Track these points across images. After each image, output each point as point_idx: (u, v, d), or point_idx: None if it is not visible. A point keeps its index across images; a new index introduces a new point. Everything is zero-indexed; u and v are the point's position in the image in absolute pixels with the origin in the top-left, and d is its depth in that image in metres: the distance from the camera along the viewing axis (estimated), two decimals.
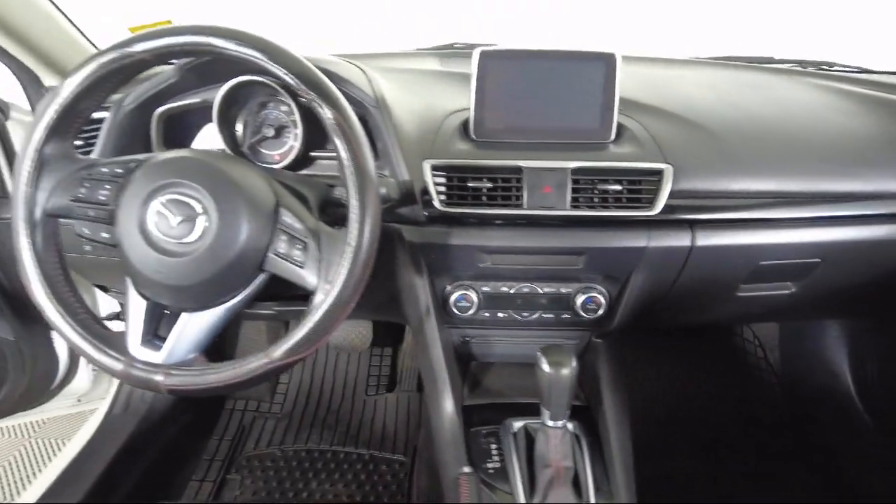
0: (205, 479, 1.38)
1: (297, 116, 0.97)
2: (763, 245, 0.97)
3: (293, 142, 1.03)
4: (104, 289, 1.21)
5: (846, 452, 1.41)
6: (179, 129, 1.04)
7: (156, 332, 0.76)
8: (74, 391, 1.55)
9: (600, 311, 0.99)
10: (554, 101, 0.96)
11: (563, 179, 0.91)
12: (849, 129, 1.04)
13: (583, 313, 0.99)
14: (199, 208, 0.69)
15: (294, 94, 0.97)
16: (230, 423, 1.53)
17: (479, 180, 0.92)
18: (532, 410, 0.98)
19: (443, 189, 0.91)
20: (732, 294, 1.05)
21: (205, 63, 0.92)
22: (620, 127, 0.97)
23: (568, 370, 0.84)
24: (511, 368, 1.10)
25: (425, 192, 0.91)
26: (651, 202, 0.91)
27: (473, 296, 0.98)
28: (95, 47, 1.15)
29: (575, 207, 0.91)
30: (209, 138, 1.07)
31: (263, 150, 1.04)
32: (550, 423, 0.88)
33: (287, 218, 0.73)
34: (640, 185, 0.92)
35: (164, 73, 0.96)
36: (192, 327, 0.74)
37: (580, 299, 0.98)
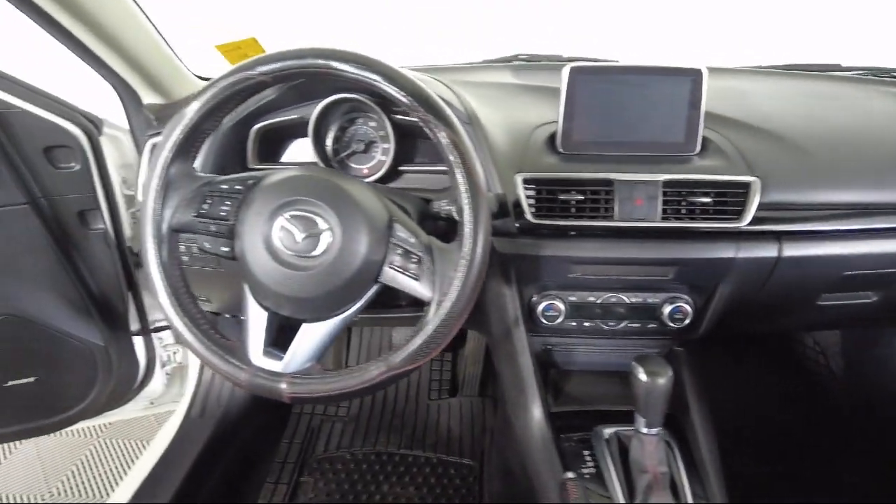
0: (279, 481, 1.42)
1: (389, 132, 1.01)
2: (848, 255, 0.97)
3: (381, 156, 1.06)
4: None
5: None
6: (270, 144, 1.08)
7: (273, 342, 0.79)
8: (148, 394, 1.61)
9: (687, 321, 1.00)
10: (640, 115, 0.98)
11: (655, 192, 0.93)
12: None
13: (669, 323, 1.00)
14: (323, 224, 0.73)
15: (387, 111, 1.00)
16: (299, 425, 1.57)
17: (569, 192, 0.94)
18: (618, 418, 1.00)
19: (532, 201, 0.93)
20: (813, 303, 1.06)
21: (305, 82, 0.96)
22: (704, 140, 0.99)
23: (664, 379, 0.86)
24: (591, 376, 1.12)
25: (517, 204, 0.93)
26: (739, 214, 0.92)
27: (560, 305, 1.00)
28: (187, 67, 1.20)
29: (665, 219, 0.93)
30: (297, 152, 1.11)
31: (352, 165, 1.07)
32: (645, 430, 0.90)
33: (401, 233, 0.76)
34: (728, 198, 0.93)
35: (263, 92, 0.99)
36: (311, 337, 0.77)
37: (667, 309, 1.00)
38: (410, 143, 1.05)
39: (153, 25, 1.08)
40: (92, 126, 1.21)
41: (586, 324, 1.04)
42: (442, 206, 0.88)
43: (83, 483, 1.67)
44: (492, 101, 1.09)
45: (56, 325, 1.25)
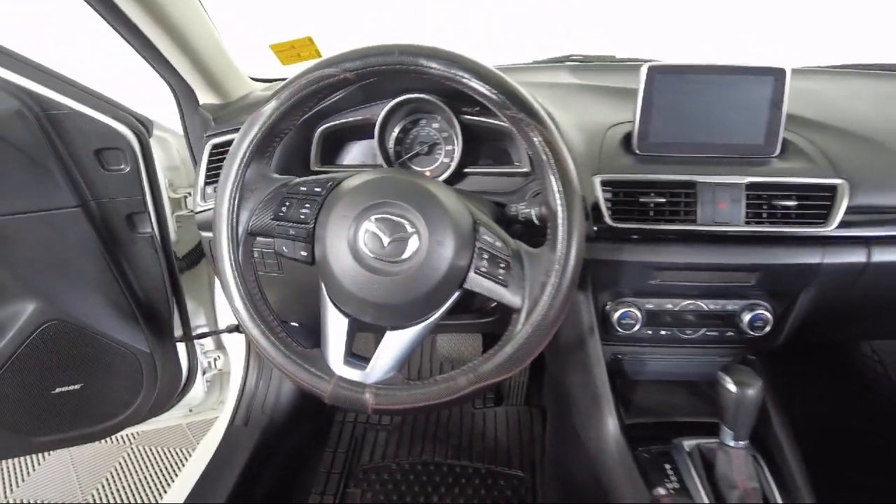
0: (325, 491, 1.39)
1: (457, 132, 0.97)
2: None
3: (444, 158, 1.03)
4: None
5: None
6: (331, 147, 1.05)
7: (352, 350, 0.76)
8: (188, 401, 1.58)
9: (767, 329, 0.96)
10: (718, 116, 0.94)
11: (738, 195, 0.89)
12: None
13: (749, 331, 0.96)
14: (410, 228, 0.69)
15: (456, 111, 0.97)
16: (342, 434, 1.54)
17: (648, 195, 0.90)
18: (695, 429, 0.96)
19: (609, 204, 0.90)
20: None
21: (376, 81, 0.93)
22: (784, 141, 0.95)
23: (754, 390, 0.82)
24: (661, 386, 1.08)
25: (595, 207, 0.90)
26: (825, 218, 0.88)
27: (637, 313, 0.96)
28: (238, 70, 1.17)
29: (748, 223, 0.89)
30: (357, 155, 1.08)
31: (414, 167, 1.04)
32: (732, 443, 0.86)
33: (487, 237, 0.72)
34: (813, 201, 0.89)
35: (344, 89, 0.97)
36: (394, 345, 0.74)
37: (747, 317, 0.96)
38: (475, 144, 1.02)
39: (213, 24, 1.05)
40: (142, 127, 1.19)
41: (662, 332, 1.00)
42: (520, 209, 0.84)
43: (119, 490, 1.65)
44: (557, 101, 1.06)
45: (103, 330, 1.23)
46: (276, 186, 0.76)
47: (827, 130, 0.98)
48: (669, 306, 0.97)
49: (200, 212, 1.07)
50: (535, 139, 0.69)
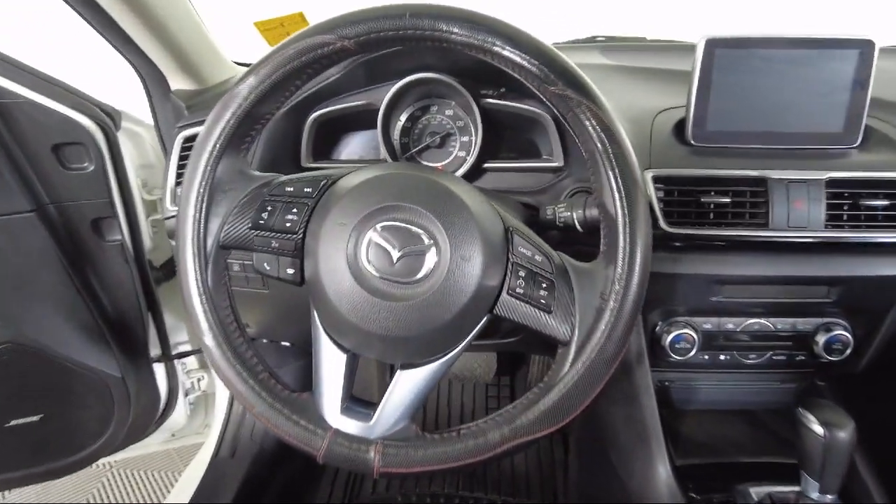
0: None
1: (476, 120, 0.82)
2: None
3: (460, 151, 0.88)
4: None
5: None
6: (326, 138, 0.89)
7: (352, 392, 0.60)
8: (170, 426, 1.42)
9: (847, 352, 0.81)
10: (790, 98, 0.78)
11: (818, 193, 0.74)
12: None
13: (825, 354, 0.81)
14: (426, 239, 0.54)
15: (475, 94, 0.81)
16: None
17: (708, 194, 0.75)
18: (764, 472, 0.81)
19: (663, 205, 0.74)
20: None
21: (378, 58, 0.77)
22: (866, 129, 0.80)
23: (846, 433, 0.67)
24: (713, 416, 0.92)
25: None
26: None
27: (693, 335, 0.81)
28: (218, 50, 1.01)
29: (828, 227, 0.74)
30: (356, 149, 0.92)
31: (424, 161, 0.88)
32: (816, 495, 0.70)
33: (524, 249, 0.57)
34: None
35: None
36: (406, 387, 0.58)
37: (822, 338, 0.80)
38: (495, 134, 0.86)
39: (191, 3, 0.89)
40: (108, 119, 1.03)
41: (721, 357, 0.84)
42: (559, 211, 0.69)
43: None
44: (598, 84, 0.90)
45: (66, 353, 1.07)
46: (256, 187, 0.61)
47: None
48: (730, 326, 0.82)
49: (170, 217, 0.91)
50: (586, 122, 0.53)
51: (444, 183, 0.57)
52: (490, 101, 0.81)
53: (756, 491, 0.78)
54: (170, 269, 1.24)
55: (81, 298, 1.06)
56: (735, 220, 0.76)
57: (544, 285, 0.55)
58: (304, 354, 1.29)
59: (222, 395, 1.37)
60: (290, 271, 0.60)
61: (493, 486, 1.32)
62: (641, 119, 0.81)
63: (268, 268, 0.60)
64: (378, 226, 0.54)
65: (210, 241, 0.59)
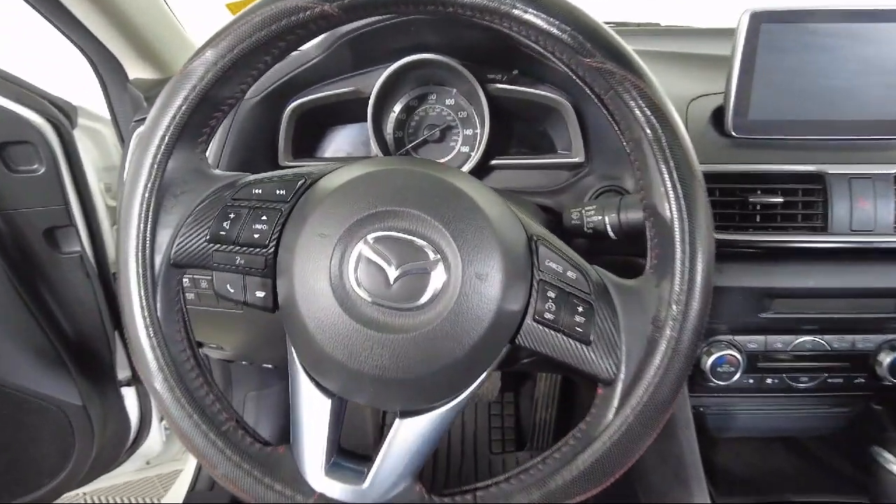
0: None
1: (483, 109, 0.70)
2: None
3: (462, 146, 0.76)
4: (200, 344, 0.94)
5: None
6: (308, 133, 0.77)
7: (340, 445, 0.49)
8: (144, 454, 1.30)
9: None
10: (848, 81, 0.68)
11: (886, 190, 0.64)
12: None
13: (890, 377, 0.70)
14: (432, 254, 0.42)
15: (482, 79, 0.70)
16: None
17: (755, 193, 0.64)
18: None
19: None
20: None
21: (368, 35, 0.65)
22: None
23: None
24: (754, 445, 0.82)
25: None
26: None
27: (737, 356, 0.69)
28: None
29: None
30: (343, 146, 0.80)
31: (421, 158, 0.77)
32: None
33: (553, 263, 0.45)
34: None
35: (303, 52, 0.69)
36: (407, 439, 0.46)
37: (887, 359, 0.69)
38: (503, 126, 0.75)
39: None
40: (62, 116, 0.91)
41: (769, 381, 0.73)
42: (588, 215, 0.57)
43: None
44: None
45: (16, 381, 0.94)
46: (216, 189, 0.49)
47: None
48: (779, 345, 0.71)
49: None
50: (631, 103, 0.43)
51: (451, 181, 0.45)
52: (499, 86, 0.70)
53: None
54: None
55: (34, 319, 0.94)
56: (786, 222, 0.65)
57: (580, 309, 0.44)
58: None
59: None
60: (260, 295, 0.48)
61: None
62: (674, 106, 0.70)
63: (231, 291, 0.49)
64: (370, 237, 0.43)
65: (159, 259, 0.47)
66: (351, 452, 0.48)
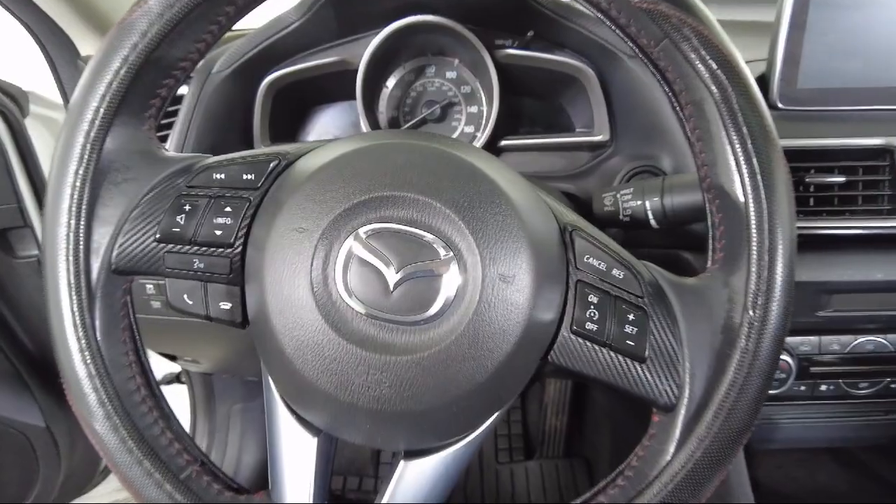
0: None
1: (492, 80, 0.61)
2: None
3: (466, 125, 0.67)
4: (173, 358, 0.84)
5: None
6: (289, 111, 0.67)
7: (328, 485, 0.39)
8: None
9: None
10: None
11: None
12: None
13: None
14: (443, 250, 0.32)
15: (489, 45, 0.60)
16: None
17: (809, 172, 0.55)
18: None
19: None
20: None
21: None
22: None
23: None
24: (799, 457, 0.73)
25: None
26: None
27: (789, 361, 0.60)
28: None
29: None
30: (329, 128, 0.71)
31: None
32: None
33: (594, 259, 0.36)
34: None
35: (278, 17, 0.59)
36: (414, 485, 0.37)
37: None
38: (512, 102, 0.66)
39: None
40: (10, 103, 0.81)
41: (823, 387, 0.64)
42: (624, 200, 0.48)
43: None
44: None
45: None
46: (169, 174, 0.39)
47: None
48: (836, 347, 0.62)
49: None
50: (692, 55, 0.34)
51: (466, 157, 0.35)
52: (510, 51, 0.60)
53: None
54: None
55: None
56: (845, 205, 0.57)
57: (631, 317, 0.35)
58: None
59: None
60: (225, 307, 0.38)
61: None
62: None
63: (189, 302, 0.39)
64: (362, 231, 0.33)
65: (96, 264, 0.37)
66: (343, 500, 0.39)
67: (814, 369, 0.62)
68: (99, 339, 0.37)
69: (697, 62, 0.34)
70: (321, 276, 0.33)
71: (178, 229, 0.37)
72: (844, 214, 0.56)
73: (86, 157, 0.36)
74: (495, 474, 1.22)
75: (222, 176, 0.38)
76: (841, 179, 0.55)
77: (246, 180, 0.37)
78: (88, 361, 0.36)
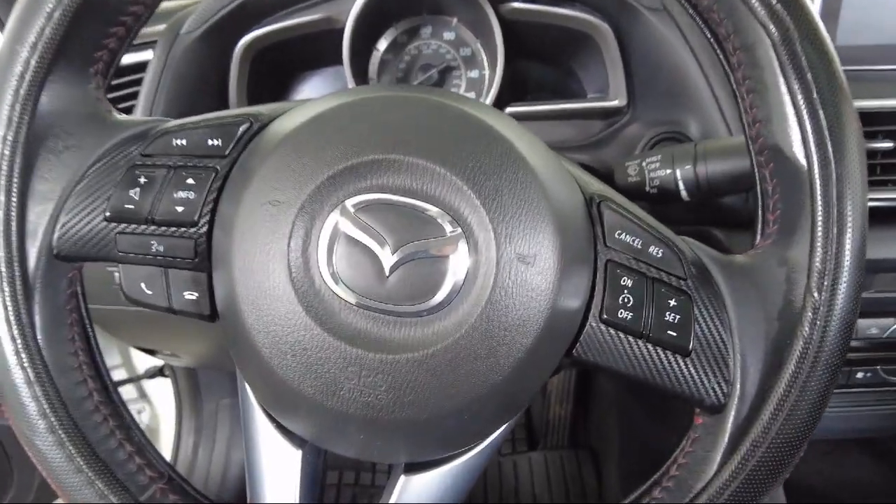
0: None
1: (495, 40, 0.55)
2: None
3: (467, 91, 0.62)
4: (151, 352, 0.78)
5: None
6: (270, 77, 0.61)
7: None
8: None
9: None
10: None
11: None
12: None
13: None
14: (449, 226, 0.27)
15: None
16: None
17: None
18: None
19: None
20: None
21: None
22: None
23: None
24: (822, 448, 0.69)
25: None
26: None
27: None
28: None
29: None
30: (316, 92, 0.64)
31: None
32: None
33: (626, 235, 0.31)
34: None
35: None
36: (416, 501, 0.32)
37: None
38: (517, 64, 0.60)
39: None
40: None
41: (860, 374, 0.60)
42: (651, 169, 0.43)
43: None
44: None
45: None
46: (120, 141, 0.33)
47: None
48: (874, 331, 0.57)
49: None
50: (754, 5, 0.28)
51: (477, 114, 0.30)
52: (516, 5, 0.53)
53: None
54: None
55: None
56: (889, 175, 0.51)
57: (671, 303, 0.30)
58: None
59: (168, 430, 1.09)
60: (191, 297, 0.33)
61: None
62: None
63: (148, 292, 0.33)
64: (350, 203, 0.27)
65: (33, 249, 0.31)
66: None
67: (850, 356, 0.57)
68: (39, 338, 0.31)
69: (761, 9, 0.28)
70: (301, 259, 0.27)
71: (131, 206, 0.31)
72: (888, 185, 0.51)
73: (15, 118, 0.30)
74: (497, 466, 1.18)
75: (184, 142, 0.32)
76: (889, 145, 0.49)
77: (212, 146, 0.31)
78: (26, 365, 0.30)
